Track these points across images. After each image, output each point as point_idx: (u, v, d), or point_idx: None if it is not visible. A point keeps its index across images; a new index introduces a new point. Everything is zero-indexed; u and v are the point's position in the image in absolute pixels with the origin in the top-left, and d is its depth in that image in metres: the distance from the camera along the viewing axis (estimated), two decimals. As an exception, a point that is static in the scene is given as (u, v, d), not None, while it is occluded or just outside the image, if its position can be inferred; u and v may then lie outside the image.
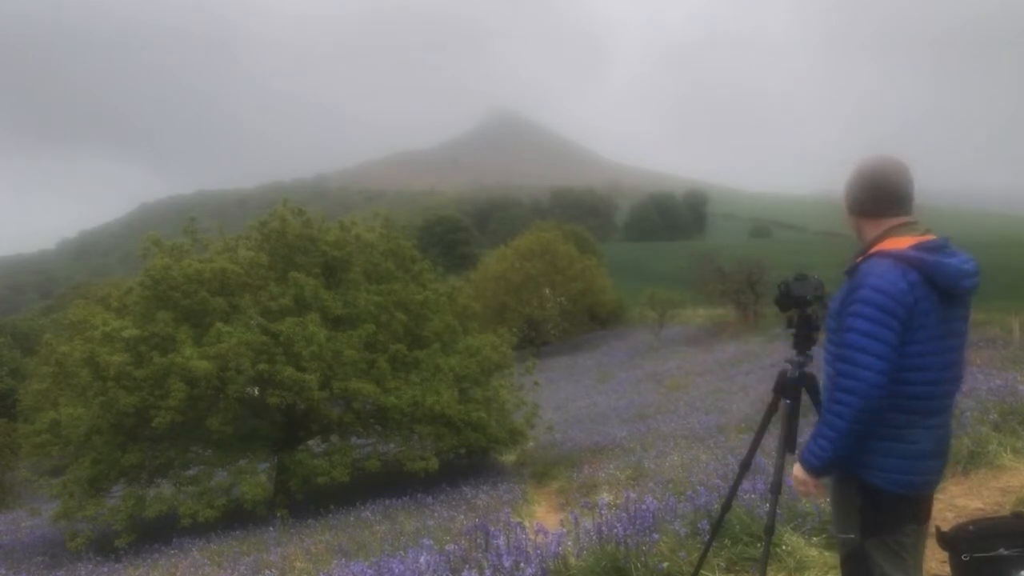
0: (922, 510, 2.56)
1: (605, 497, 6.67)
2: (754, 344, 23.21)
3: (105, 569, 9.00)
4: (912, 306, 2.34)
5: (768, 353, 19.97)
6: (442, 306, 13.37)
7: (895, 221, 2.49)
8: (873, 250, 2.47)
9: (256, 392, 11.50)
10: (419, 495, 10.01)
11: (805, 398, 3.03)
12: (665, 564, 4.06)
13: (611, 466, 9.35)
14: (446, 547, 4.80)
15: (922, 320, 2.36)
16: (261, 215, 13.27)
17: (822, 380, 2.69)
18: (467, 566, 4.23)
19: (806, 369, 2.98)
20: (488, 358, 12.72)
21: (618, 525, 4.36)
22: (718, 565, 4.21)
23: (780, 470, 3.00)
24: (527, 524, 5.63)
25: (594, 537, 4.47)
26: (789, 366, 3.00)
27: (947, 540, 2.75)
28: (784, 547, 4.23)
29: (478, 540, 4.85)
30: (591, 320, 40.77)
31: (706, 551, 3.75)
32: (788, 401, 3.01)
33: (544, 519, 7.43)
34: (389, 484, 11.22)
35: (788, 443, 3.00)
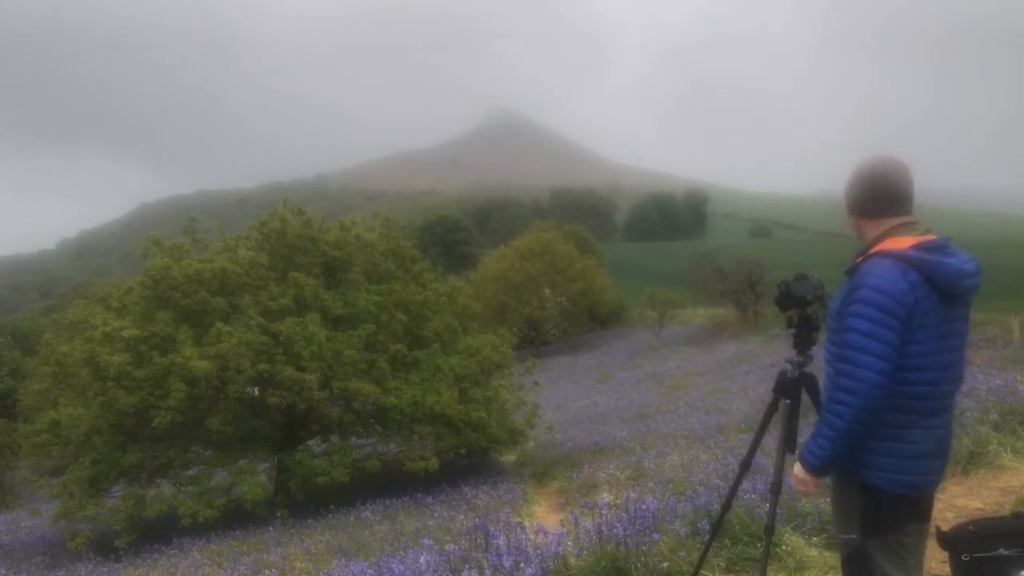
0: (923, 510, 2.56)
1: (605, 497, 6.67)
2: (754, 344, 23.21)
3: (105, 569, 9.00)
4: (912, 306, 2.34)
5: (768, 353, 19.97)
6: (442, 306, 13.37)
7: (895, 221, 2.49)
8: (873, 250, 2.47)
9: (256, 392, 11.50)
10: (419, 495, 10.01)
11: (805, 398, 3.04)
12: (665, 564, 4.06)
13: (611, 466, 9.35)
14: (446, 547, 4.80)
15: (922, 320, 2.36)
16: (261, 215, 13.27)
17: (822, 380, 2.69)
18: (467, 566, 4.23)
19: (806, 369, 2.98)
20: (488, 358, 12.72)
21: (618, 525, 4.36)
22: (718, 565, 4.21)
23: (780, 470, 3.00)
24: (527, 524, 5.63)
25: (594, 537, 4.47)
26: (789, 366, 3.00)
27: (947, 540, 2.75)
28: (784, 547, 4.23)
29: (478, 540, 4.85)
30: (591, 320, 40.77)
31: (706, 551, 3.75)
32: (788, 401, 3.01)
33: (544, 519, 7.43)
34: (389, 484, 11.22)
35: (788, 443, 3.00)
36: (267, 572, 6.48)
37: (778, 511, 3.34)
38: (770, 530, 3.08)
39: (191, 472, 11.30)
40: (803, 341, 2.96)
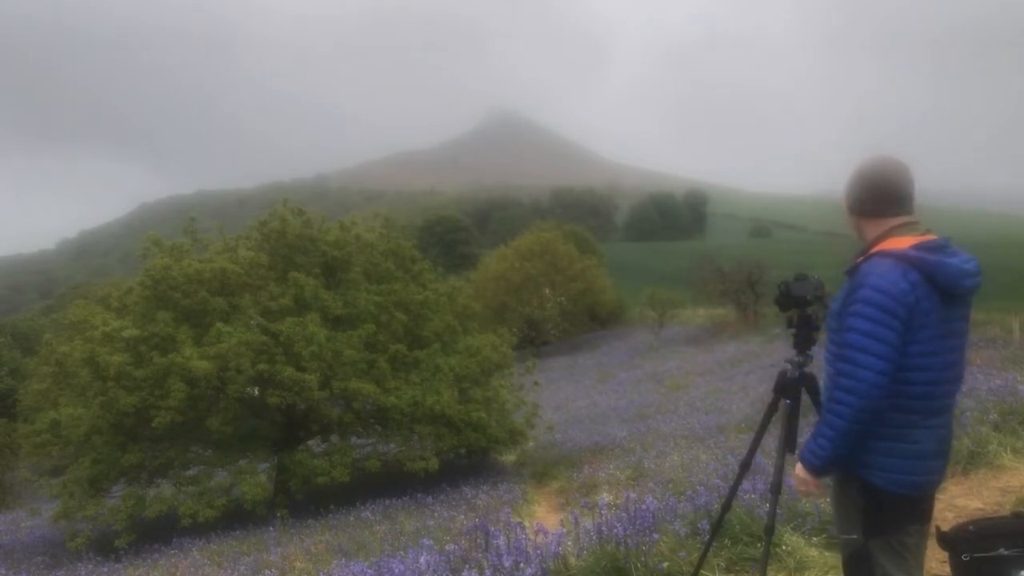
0: (924, 510, 2.56)
1: (605, 497, 6.67)
2: (754, 344, 23.21)
3: (105, 569, 9.00)
4: (913, 306, 2.34)
5: (768, 353, 19.96)
6: (442, 306, 13.37)
7: (896, 221, 2.49)
8: (874, 250, 2.47)
9: (256, 392, 11.50)
10: (419, 495, 10.01)
11: (805, 398, 3.04)
12: (665, 564, 4.06)
13: (611, 466, 9.35)
14: (446, 547, 4.80)
15: (923, 320, 2.36)
16: (261, 215, 13.26)
17: (822, 380, 2.69)
18: (467, 566, 4.23)
19: (806, 369, 2.98)
20: (488, 358, 12.71)
21: (618, 525, 4.36)
22: (718, 565, 4.21)
23: (780, 470, 3.00)
24: (527, 524, 5.62)
25: (594, 537, 4.46)
26: (789, 366, 3.00)
27: (947, 540, 2.75)
28: (784, 547, 4.23)
29: (478, 540, 4.85)
30: (591, 320, 40.76)
31: (706, 551, 3.75)
32: (788, 401, 3.01)
33: (544, 519, 7.43)
34: (389, 484, 11.22)
35: (788, 443, 3.00)
36: (267, 572, 6.48)
37: (778, 511, 3.34)
38: (770, 530, 3.08)
39: (191, 472, 11.30)
40: (803, 341, 2.96)
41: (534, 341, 35.42)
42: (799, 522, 4.55)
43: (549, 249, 38.82)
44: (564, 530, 4.84)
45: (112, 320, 10.99)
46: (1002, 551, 2.61)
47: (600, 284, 39.90)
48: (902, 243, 2.42)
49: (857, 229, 2.62)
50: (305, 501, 10.85)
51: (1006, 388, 7.36)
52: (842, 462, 2.49)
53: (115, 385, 10.22)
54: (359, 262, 12.92)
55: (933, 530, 2.72)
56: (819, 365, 2.72)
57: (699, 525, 4.39)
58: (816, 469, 2.53)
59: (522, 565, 4.05)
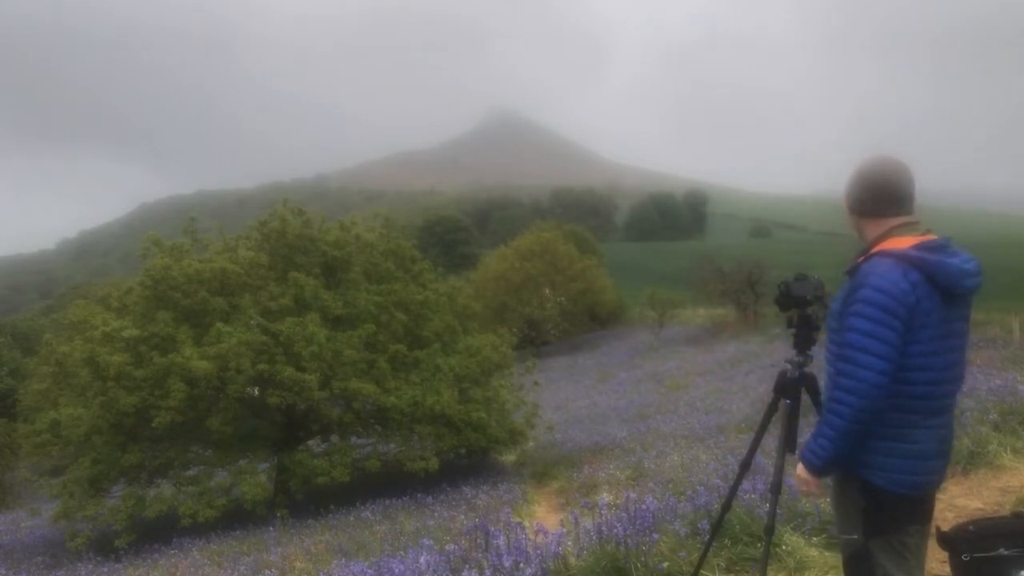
0: (925, 510, 2.56)
1: (605, 497, 6.67)
2: (754, 344, 23.21)
3: (105, 569, 9.00)
4: (914, 306, 2.34)
5: (768, 353, 19.96)
6: (442, 306, 13.37)
7: (896, 221, 2.49)
8: (874, 250, 2.47)
9: (256, 392, 11.50)
10: (419, 495, 10.01)
11: (805, 398, 3.04)
12: (665, 564, 4.06)
13: (611, 466, 9.35)
14: (446, 547, 4.80)
15: (924, 320, 2.36)
16: (261, 215, 13.25)
17: (822, 380, 2.69)
18: (467, 566, 4.23)
19: (806, 369, 2.98)
20: (488, 358, 12.71)
21: (618, 525, 4.36)
22: (718, 565, 4.21)
23: (780, 470, 3.00)
24: (527, 524, 5.62)
25: (594, 537, 4.46)
26: (789, 366, 3.01)
27: (947, 540, 2.75)
28: (784, 547, 4.23)
29: (478, 540, 4.85)
30: (591, 320, 40.76)
31: (706, 551, 3.75)
32: (788, 401, 3.01)
33: (544, 519, 7.43)
34: (389, 484, 11.22)
35: (788, 443, 3.00)
36: (267, 572, 6.48)
37: (778, 511, 3.34)
38: (770, 530, 3.08)
39: (191, 472, 11.30)
40: (803, 341, 2.96)
41: (534, 341, 35.41)
42: (799, 522, 4.55)
43: (549, 249, 38.83)
44: (564, 530, 4.84)
45: (112, 320, 10.99)
46: (1002, 551, 2.61)
47: (600, 284, 39.90)
48: (903, 243, 2.42)
49: (857, 229, 2.62)
50: (305, 501, 10.85)
51: (1006, 388, 7.36)
52: (843, 462, 2.49)
53: (115, 385, 10.22)
54: (359, 262, 12.92)
55: (933, 530, 2.72)
56: (819, 365, 2.72)
57: (699, 525, 4.39)
58: (817, 469, 2.53)
59: (522, 565, 4.05)
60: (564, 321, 38.35)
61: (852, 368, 2.36)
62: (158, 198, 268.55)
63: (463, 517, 7.43)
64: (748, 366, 18.91)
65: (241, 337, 10.42)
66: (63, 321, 16.18)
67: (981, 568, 2.63)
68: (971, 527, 2.75)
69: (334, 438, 12.44)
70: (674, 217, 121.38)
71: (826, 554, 4.18)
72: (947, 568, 2.82)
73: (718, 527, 3.77)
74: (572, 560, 4.37)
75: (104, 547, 10.20)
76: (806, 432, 2.85)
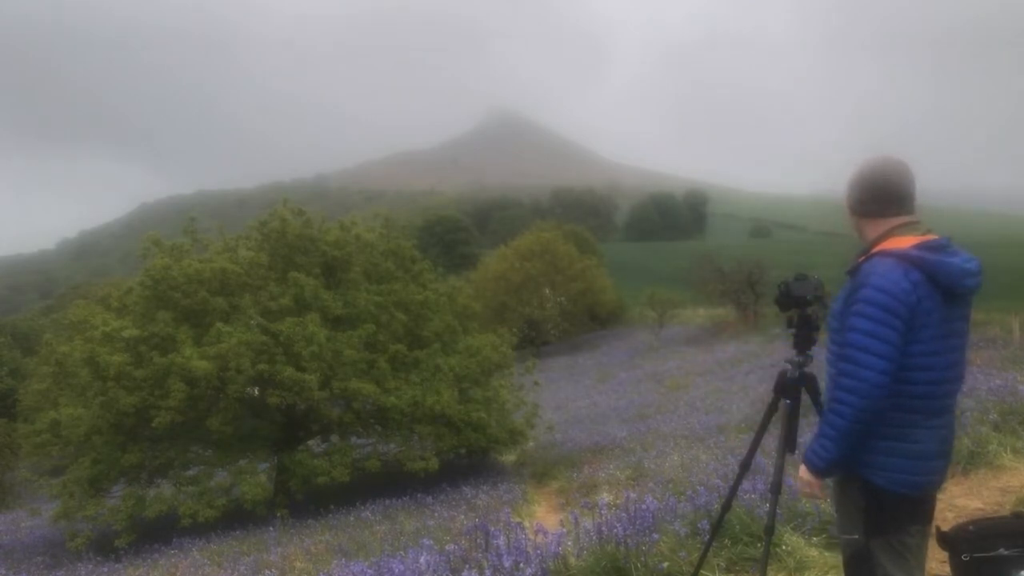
0: (925, 510, 2.56)
1: (605, 497, 6.67)
2: (754, 344, 23.21)
3: (105, 569, 9.00)
4: (915, 305, 2.35)
5: (768, 353, 19.96)
6: (442, 306, 13.37)
7: (897, 221, 2.50)
8: (875, 250, 2.47)
9: (256, 392, 11.50)
10: (419, 495, 10.01)
11: (805, 398, 3.04)
12: (665, 564, 4.06)
13: (611, 466, 9.35)
14: (446, 547, 4.80)
15: (925, 320, 2.36)
16: (261, 215, 13.25)
17: (822, 380, 2.69)
18: (467, 566, 4.23)
19: (806, 369, 2.98)
20: (488, 358, 12.71)
21: (618, 525, 4.36)
22: (718, 565, 4.21)
23: (780, 470, 3.00)
24: (527, 524, 5.63)
25: (594, 537, 4.46)
26: (789, 366, 3.00)
27: (947, 540, 2.75)
28: (784, 547, 4.23)
29: (478, 540, 4.85)
30: (591, 320, 40.76)
31: (706, 551, 3.75)
32: (788, 401, 3.01)
33: (544, 519, 7.43)
34: (389, 484, 11.21)
35: (788, 443, 3.00)
36: (267, 572, 6.48)
37: (778, 511, 3.34)
38: (770, 530, 3.08)
39: (191, 472, 11.30)
40: (803, 341, 2.97)
41: (534, 341, 35.41)
42: (799, 522, 4.55)
43: (549, 249, 38.83)
44: (564, 530, 4.84)
45: (112, 320, 10.99)
46: (1002, 551, 2.61)
47: (600, 284, 39.90)
48: (903, 243, 2.42)
49: (858, 229, 2.63)
50: (305, 501, 10.85)
51: (1006, 388, 7.36)
52: (845, 463, 2.48)
53: (115, 385, 10.22)
54: (359, 262, 12.92)
55: (933, 530, 2.72)
56: (819, 365, 2.72)
57: (699, 525, 4.39)
58: (819, 470, 2.53)
59: (522, 565, 4.05)
60: (564, 321, 38.35)
61: (853, 368, 2.36)
62: (158, 198, 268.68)
63: (463, 517, 7.43)
64: (748, 366, 18.90)
65: (241, 337, 10.42)
66: (63, 321, 16.18)
67: (981, 568, 2.63)
68: (971, 527, 2.75)
69: (334, 438, 12.44)
70: (674, 217, 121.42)
71: (826, 554, 4.18)
72: (947, 568, 2.82)
73: (718, 527, 3.77)
74: (572, 560, 4.37)
75: (104, 547, 10.20)
76: (806, 432, 2.85)
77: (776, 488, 3.01)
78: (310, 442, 12.61)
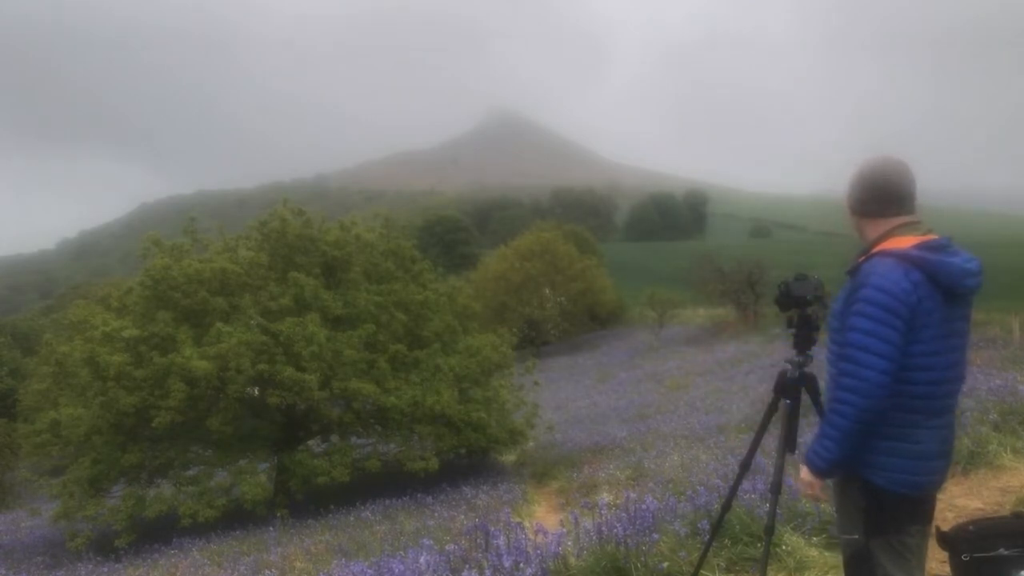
0: (926, 510, 2.56)
1: (605, 497, 6.67)
2: (754, 344, 23.21)
3: (105, 569, 9.00)
4: (915, 305, 2.34)
5: (768, 353, 19.96)
6: (442, 306, 13.37)
7: (897, 221, 2.49)
8: (875, 250, 2.47)
9: (256, 392, 11.50)
10: (419, 495, 10.01)
11: (805, 398, 3.03)
12: (665, 564, 4.06)
13: (611, 466, 9.35)
14: (446, 547, 4.80)
15: (925, 320, 2.36)
16: (261, 215, 13.25)
17: (823, 380, 2.69)
18: (467, 566, 4.23)
19: (806, 369, 2.98)
20: (488, 358, 12.71)
21: (618, 525, 4.36)
22: (718, 565, 4.21)
23: (780, 470, 3.00)
24: (527, 524, 5.62)
25: (594, 537, 4.46)
26: (789, 366, 3.00)
27: (947, 540, 2.74)
28: (784, 547, 4.23)
29: (478, 540, 4.85)
30: (591, 320, 40.77)
31: (706, 551, 3.75)
32: (788, 401, 3.01)
33: (544, 519, 7.42)
34: (389, 484, 11.21)
35: (788, 443, 3.00)
36: (267, 572, 6.48)
37: (778, 511, 3.34)
38: (770, 530, 3.08)
39: (191, 472, 11.30)
40: (803, 341, 2.96)
41: (534, 341, 35.42)
42: (799, 522, 4.55)
43: (549, 249, 38.83)
44: (564, 530, 4.84)
45: (112, 320, 10.99)
46: (1002, 551, 2.61)
47: (600, 284, 39.91)
48: (904, 243, 2.42)
49: (858, 229, 2.62)
50: (305, 501, 10.85)
51: (1006, 388, 7.36)
52: (846, 463, 2.48)
53: (115, 385, 10.22)
54: (359, 262, 12.92)
55: (933, 530, 2.72)
56: (819, 365, 2.72)
57: (699, 525, 4.39)
58: (821, 471, 2.52)
59: (522, 565, 4.05)
60: (564, 321, 38.35)
61: (854, 368, 2.36)
62: (158, 198, 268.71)
63: (463, 517, 7.43)
64: (748, 366, 18.90)
65: (241, 337, 10.42)
66: (63, 321, 16.19)
67: (981, 568, 2.63)
68: (971, 527, 2.75)
69: (334, 438, 12.43)
70: (674, 217, 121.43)
71: (826, 554, 4.18)
72: (947, 568, 2.82)
73: (718, 527, 3.77)
74: (572, 560, 4.37)
75: (104, 547, 10.20)
76: (806, 432, 2.85)
77: (776, 488, 3.01)
78: (310, 442, 12.61)
